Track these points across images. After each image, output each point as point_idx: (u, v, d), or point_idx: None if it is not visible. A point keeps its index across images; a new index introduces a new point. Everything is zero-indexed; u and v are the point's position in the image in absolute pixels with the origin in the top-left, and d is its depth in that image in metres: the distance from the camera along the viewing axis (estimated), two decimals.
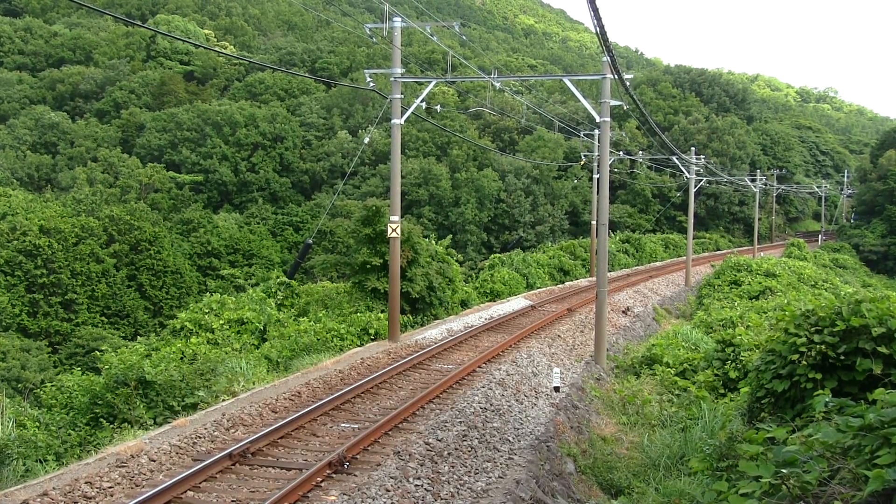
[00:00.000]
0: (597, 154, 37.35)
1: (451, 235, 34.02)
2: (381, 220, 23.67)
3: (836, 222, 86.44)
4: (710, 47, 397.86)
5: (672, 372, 16.51)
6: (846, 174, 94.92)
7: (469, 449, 10.68)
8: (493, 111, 56.16)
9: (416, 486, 9.01)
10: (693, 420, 11.98)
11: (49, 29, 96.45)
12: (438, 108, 29.15)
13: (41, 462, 12.72)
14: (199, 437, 10.81)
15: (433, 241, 27.80)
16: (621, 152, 53.96)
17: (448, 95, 78.66)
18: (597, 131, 33.37)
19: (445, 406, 12.95)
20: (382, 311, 22.00)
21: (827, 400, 5.84)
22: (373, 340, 20.19)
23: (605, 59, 18.75)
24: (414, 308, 24.47)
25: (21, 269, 40.62)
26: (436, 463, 9.88)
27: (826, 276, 37.92)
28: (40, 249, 40.93)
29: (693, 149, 48.98)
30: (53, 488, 8.66)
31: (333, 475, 9.46)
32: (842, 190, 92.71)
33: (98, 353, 18.85)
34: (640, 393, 14.99)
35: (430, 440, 10.78)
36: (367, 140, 25.50)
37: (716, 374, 14.42)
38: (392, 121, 19.85)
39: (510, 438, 11.47)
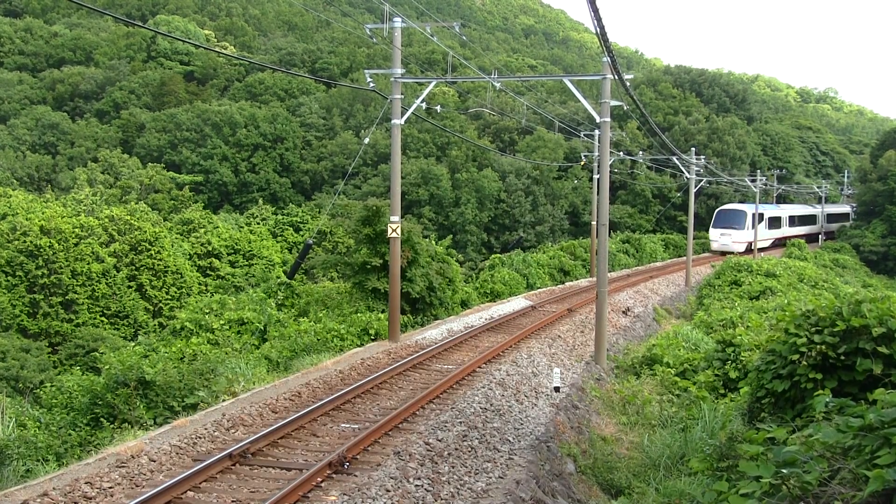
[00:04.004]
0: (597, 154, 37.35)
1: (451, 235, 34.08)
2: (380, 220, 23.63)
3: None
4: (710, 47, 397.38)
5: (672, 372, 16.50)
6: (846, 174, 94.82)
7: (469, 449, 10.68)
8: (493, 111, 56.09)
9: (417, 486, 9.01)
10: (693, 420, 11.98)
11: (49, 29, 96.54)
12: (438, 108, 29.10)
13: (41, 462, 12.72)
14: (200, 438, 10.81)
15: (433, 242, 27.79)
16: (621, 152, 53.92)
17: (448, 96, 78.61)
18: (597, 132, 33.37)
19: (445, 406, 12.95)
20: (382, 312, 21.98)
21: (827, 400, 5.84)
22: (373, 341, 20.18)
23: (605, 59, 18.75)
24: (414, 308, 24.45)
25: (22, 269, 40.64)
26: (436, 463, 9.88)
27: (826, 276, 37.91)
28: (41, 250, 40.95)
29: (693, 149, 48.93)
30: (54, 488, 8.67)
31: (333, 475, 9.46)
32: (842, 190, 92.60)
33: (97, 354, 18.85)
34: (641, 393, 14.98)
35: (431, 440, 10.77)
36: (366, 141, 25.46)
37: (716, 375, 14.42)
38: (392, 121, 19.84)
39: (510, 439, 11.47)
